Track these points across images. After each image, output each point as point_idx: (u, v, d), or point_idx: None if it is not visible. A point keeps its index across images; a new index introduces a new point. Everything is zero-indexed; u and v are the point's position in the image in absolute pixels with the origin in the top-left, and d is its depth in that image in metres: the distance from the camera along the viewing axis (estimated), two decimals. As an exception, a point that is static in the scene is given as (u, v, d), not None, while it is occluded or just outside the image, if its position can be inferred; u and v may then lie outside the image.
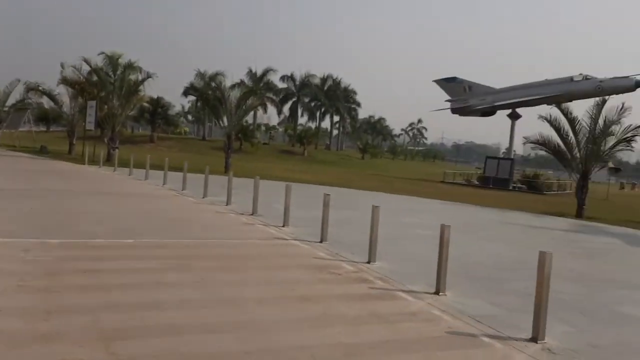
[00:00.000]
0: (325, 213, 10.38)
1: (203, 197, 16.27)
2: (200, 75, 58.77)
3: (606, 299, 7.78)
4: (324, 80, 71.35)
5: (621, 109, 21.04)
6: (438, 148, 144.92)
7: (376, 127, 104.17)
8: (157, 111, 60.27)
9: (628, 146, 21.23)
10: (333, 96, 70.89)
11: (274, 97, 68.55)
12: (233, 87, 36.53)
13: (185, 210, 13.54)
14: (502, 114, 43.68)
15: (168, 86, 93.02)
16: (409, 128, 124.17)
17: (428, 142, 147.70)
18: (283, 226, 11.74)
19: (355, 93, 75.81)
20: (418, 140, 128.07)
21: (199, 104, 63.70)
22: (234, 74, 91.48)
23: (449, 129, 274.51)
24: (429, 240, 9.75)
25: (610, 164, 23.34)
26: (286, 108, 71.06)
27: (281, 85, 70.24)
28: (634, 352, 5.73)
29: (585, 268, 10.18)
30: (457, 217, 17.15)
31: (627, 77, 35.76)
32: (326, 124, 79.01)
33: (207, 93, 32.08)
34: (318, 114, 72.89)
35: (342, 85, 73.28)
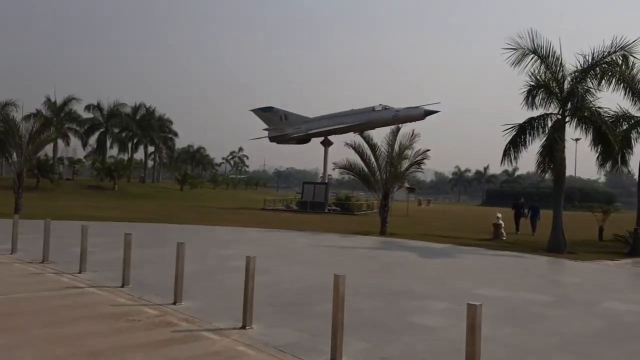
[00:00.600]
0: (127, 254, 9.58)
1: (-19, 246, 13.90)
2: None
3: (399, 311, 8.47)
4: (135, 109, 67.62)
5: (412, 136, 23.82)
6: (260, 175, 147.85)
7: (195, 156, 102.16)
8: None
9: (419, 168, 24.10)
10: (147, 126, 67.48)
11: (78, 128, 62.86)
12: (28, 117, 32.46)
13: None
14: (317, 142, 46.43)
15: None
16: (230, 157, 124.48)
17: (250, 169, 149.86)
18: (79, 272, 10.55)
19: (171, 122, 73.38)
20: (240, 168, 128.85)
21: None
22: (29, 104, 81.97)
23: (270, 156, 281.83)
24: (244, 272, 9.64)
25: (407, 184, 26.25)
26: (93, 139, 65.64)
27: (87, 115, 64.83)
28: (417, 359, 6.27)
29: (383, 282, 11.03)
30: (274, 244, 17.44)
31: (418, 107, 40.97)
32: (140, 155, 74.85)
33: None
34: (130, 145, 68.60)
35: (157, 114, 70.42)
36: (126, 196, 51.52)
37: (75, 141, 64.87)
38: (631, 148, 22.00)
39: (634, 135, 22.18)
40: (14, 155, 25.51)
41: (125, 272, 9.56)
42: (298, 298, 9.15)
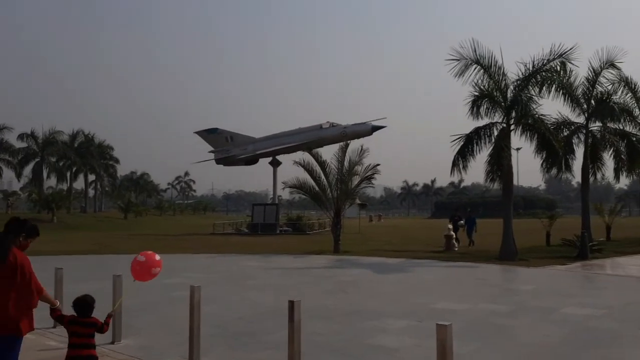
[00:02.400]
0: (58, 290, 8.64)
1: None
2: None
3: (358, 333, 7.96)
4: (73, 136, 64.67)
5: (361, 151, 23.67)
6: (209, 200, 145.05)
7: (140, 183, 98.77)
8: None
9: (370, 183, 23.90)
10: (86, 153, 64.58)
11: (11, 159, 59.36)
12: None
13: None
14: (265, 162, 45.71)
15: None
16: (176, 182, 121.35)
17: (198, 194, 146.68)
18: None
19: (112, 149, 70.62)
20: (187, 193, 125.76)
21: None
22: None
23: (218, 180, 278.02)
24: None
25: (358, 201, 25.97)
26: (28, 170, 62.15)
27: (20, 144, 61.43)
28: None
29: (338, 302, 10.51)
30: (223, 269, 16.61)
31: (365, 123, 41.15)
32: (80, 184, 71.48)
33: None
34: (69, 174, 65.39)
35: (97, 140, 67.63)
36: (66, 228, 48.82)
37: (9, 173, 61.26)
38: (574, 153, 22.73)
39: (575, 140, 22.96)
40: None
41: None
42: (250, 327, 8.47)
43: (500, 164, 18.94)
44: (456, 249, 23.07)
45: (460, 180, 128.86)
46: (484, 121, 20.13)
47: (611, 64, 23.59)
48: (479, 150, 19.92)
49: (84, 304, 4.87)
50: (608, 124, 23.94)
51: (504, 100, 19.93)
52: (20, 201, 78.80)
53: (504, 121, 19.92)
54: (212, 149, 45.73)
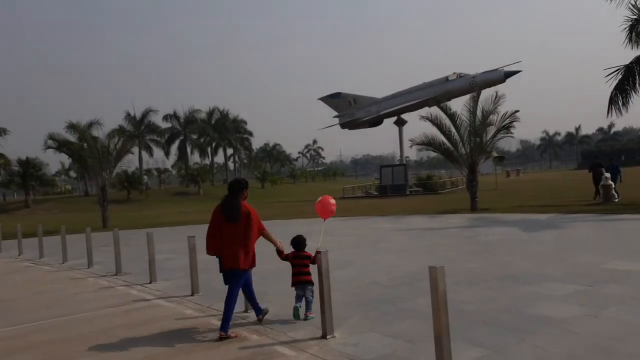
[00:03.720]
0: (193, 259, 8.67)
1: (63, 263, 13.80)
2: (72, 126, 53.97)
3: (514, 301, 6.80)
4: (210, 114, 68.90)
5: (495, 98, 21.46)
6: (337, 166, 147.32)
7: (272, 153, 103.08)
8: (28, 173, 54.50)
9: (508, 133, 21.62)
10: (222, 129, 68.56)
11: (159, 139, 65.03)
12: (112, 133, 33.45)
13: (30, 285, 11.05)
14: (391, 123, 44.41)
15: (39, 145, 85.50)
16: (306, 150, 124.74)
17: (327, 161, 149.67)
18: (150, 282, 9.83)
19: (245, 123, 74.09)
20: (316, 160, 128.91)
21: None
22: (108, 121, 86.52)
23: (345, 146, 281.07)
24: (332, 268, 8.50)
25: (495, 154, 23.76)
26: (174, 148, 67.72)
27: (165, 125, 66.98)
28: (558, 368, 4.65)
29: (486, 265, 9.33)
30: (355, 232, 16.10)
31: (496, 69, 37.76)
32: (220, 158, 76.37)
33: (74, 145, 28.72)
34: (209, 149, 70.08)
35: (231, 116, 71.32)
36: (211, 199, 52.54)
37: (158, 152, 67.37)
38: None
39: None
40: (96, 171, 26.08)
41: (193, 278, 8.66)
42: (387, 293, 7.74)
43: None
44: (616, 199, 20.13)
45: (611, 125, 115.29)
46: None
47: None
48: (643, 84, 16.82)
49: (300, 241, 6.65)
50: None
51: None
52: (172, 177, 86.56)
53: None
54: (336, 114, 45.53)
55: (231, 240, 6.11)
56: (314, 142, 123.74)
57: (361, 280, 8.68)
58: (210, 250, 6.28)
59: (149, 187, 63.51)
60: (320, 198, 7.04)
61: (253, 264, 6.29)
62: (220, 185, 70.68)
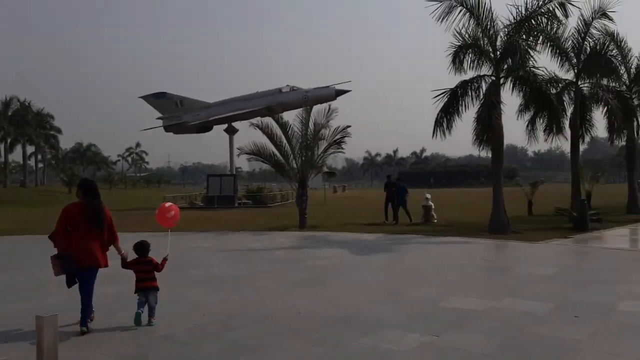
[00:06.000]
0: None
1: None
2: None
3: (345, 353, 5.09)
4: (6, 103, 58.62)
5: (328, 111, 20.65)
6: (164, 172, 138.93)
7: (86, 155, 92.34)
8: None
9: (339, 148, 20.89)
10: (21, 122, 58.76)
11: None
12: None
13: None
14: (222, 131, 42.08)
15: None
16: (127, 154, 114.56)
17: (153, 167, 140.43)
18: None
19: (52, 117, 64.65)
20: (139, 165, 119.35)
21: None
22: None
23: (175, 151, 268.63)
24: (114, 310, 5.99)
25: (325, 169, 23.01)
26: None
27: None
28: None
29: (315, 302, 7.62)
30: (164, 253, 13.40)
31: (328, 87, 38.06)
32: (19, 156, 65.41)
33: None
34: (3, 145, 59.50)
35: (34, 108, 61.57)
36: (0, 203, 44.19)
37: None
38: (566, 112, 20.40)
39: (566, 98, 20.61)
40: None
41: None
42: (181, 355, 5.45)
43: (490, 123, 16.34)
44: (435, 220, 20.63)
45: (422, 150, 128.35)
46: (467, 76, 17.53)
47: (603, 14, 21.20)
48: (466, 108, 17.29)
49: (143, 246, 6.69)
50: (599, 81, 21.68)
51: (493, 49, 17.28)
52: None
53: (493, 74, 17.31)
54: (160, 115, 41.66)
55: (88, 239, 6.22)
56: (137, 145, 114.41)
57: (149, 332, 6.25)
58: (61, 247, 6.21)
59: None
60: (159, 210, 7.11)
61: (107, 264, 6.45)
62: (15, 187, 60.48)
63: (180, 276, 9.86)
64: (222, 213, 30.59)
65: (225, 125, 41.02)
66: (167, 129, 41.50)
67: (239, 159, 41.75)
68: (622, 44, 23.58)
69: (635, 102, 23.79)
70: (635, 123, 23.43)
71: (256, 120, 22.97)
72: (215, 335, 6.05)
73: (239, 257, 12.82)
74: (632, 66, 23.86)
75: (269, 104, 36.07)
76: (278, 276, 9.99)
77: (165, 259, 6.57)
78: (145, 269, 6.54)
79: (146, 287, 6.47)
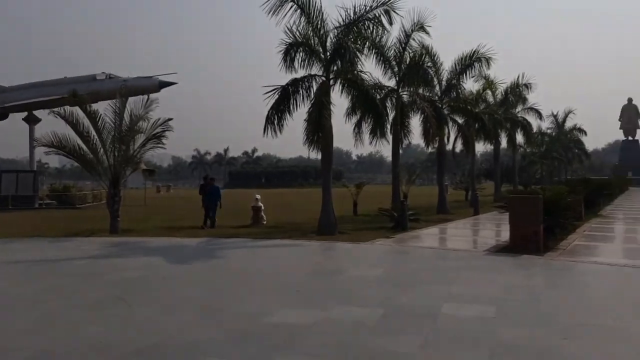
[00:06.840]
0: None
1: None
2: None
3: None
4: None
5: (147, 102, 18.54)
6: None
7: None
8: None
9: (159, 143, 18.82)
10: None
11: None
12: None
13: None
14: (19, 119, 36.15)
15: None
16: None
17: None
18: None
19: None
20: None
21: None
22: None
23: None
24: None
25: (144, 166, 20.68)
26: None
27: None
28: None
29: (112, 329, 6.08)
30: None
31: (152, 77, 35.02)
32: None
33: None
34: None
35: None
36: None
37: None
38: (389, 118, 21.28)
39: (388, 104, 21.53)
40: None
41: None
42: None
43: (321, 123, 16.08)
44: (264, 222, 19.89)
45: (254, 150, 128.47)
46: (299, 74, 17.13)
47: (421, 27, 22.75)
48: (297, 107, 16.83)
49: None
50: (417, 90, 23.23)
51: (323, 50, 17.10)
52: None
53: (324, 74, 17.14)
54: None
55: None
56: None
57: None
58: None
59: None
60: None
61: None
62: None
63: None
64: (18, 215, 26.06)
65: (26, 114, 35.35)
66: (-53, 114, 34.30)
67: (47, 154, 36.36)
68: (436, 57, 25.69)
69: (446, 111, 26.12)
70: (445, 130, 25.67)
71: (61, 109, 19.73)
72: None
73: (24, 271, 10.36)
74: (444, 79, 26.10)
75: (80, 92, 32.00)
76: (71, 295, 8.06)
77: None
78: None
79: None
